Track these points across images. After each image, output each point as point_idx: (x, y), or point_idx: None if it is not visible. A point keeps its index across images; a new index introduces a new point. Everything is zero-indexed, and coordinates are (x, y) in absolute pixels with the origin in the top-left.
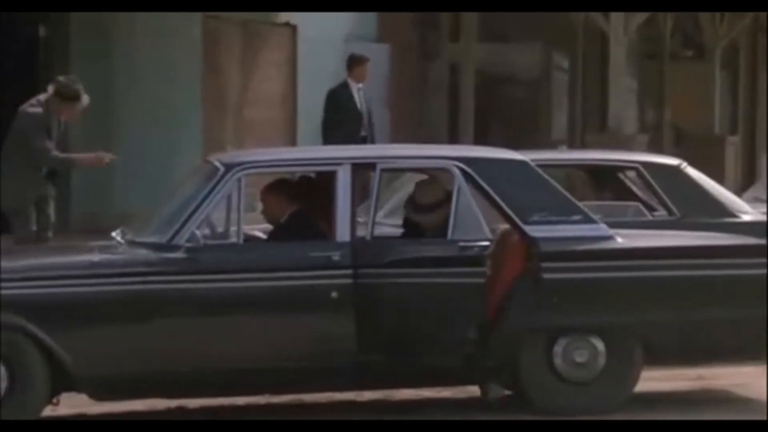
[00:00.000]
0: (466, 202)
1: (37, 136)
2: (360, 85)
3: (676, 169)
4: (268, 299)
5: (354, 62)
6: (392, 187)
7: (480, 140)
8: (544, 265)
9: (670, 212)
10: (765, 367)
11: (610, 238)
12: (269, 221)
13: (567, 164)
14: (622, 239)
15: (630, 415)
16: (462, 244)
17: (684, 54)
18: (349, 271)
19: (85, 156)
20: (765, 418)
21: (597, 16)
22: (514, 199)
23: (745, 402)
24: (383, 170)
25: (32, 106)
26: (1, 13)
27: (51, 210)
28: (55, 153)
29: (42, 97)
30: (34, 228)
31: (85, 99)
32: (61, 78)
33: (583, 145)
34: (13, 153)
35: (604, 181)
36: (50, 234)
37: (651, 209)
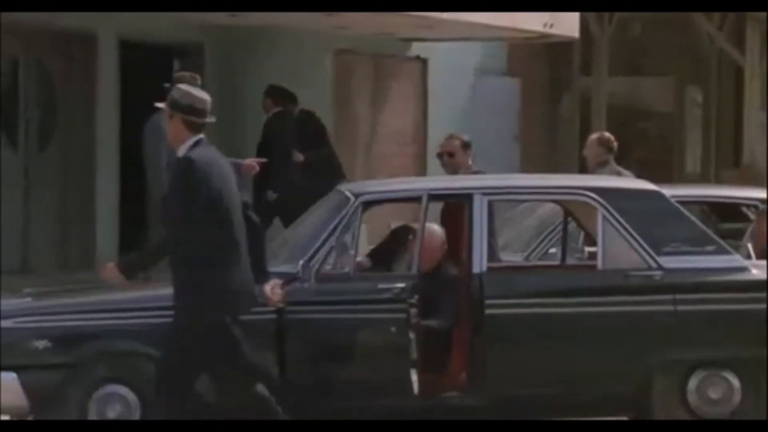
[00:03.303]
0: (612, 231)
1: (151, 143)
2: None
3: None
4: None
5: None
6: (505, 220)
7: None
8: (677, 297)
9: None
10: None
11: (744, 269)
12: None
13: (687, 201)
14: (757, 270)
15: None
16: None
17: None
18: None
19: None
20: (765, 418)
21: (732, 50)
22: (648, 230)
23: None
24: (518, 200)
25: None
26: (135, 45)
27: None
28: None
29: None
30: None
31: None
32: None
33: (717, 180)
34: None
35: (728, 217)
36: None
37: None
